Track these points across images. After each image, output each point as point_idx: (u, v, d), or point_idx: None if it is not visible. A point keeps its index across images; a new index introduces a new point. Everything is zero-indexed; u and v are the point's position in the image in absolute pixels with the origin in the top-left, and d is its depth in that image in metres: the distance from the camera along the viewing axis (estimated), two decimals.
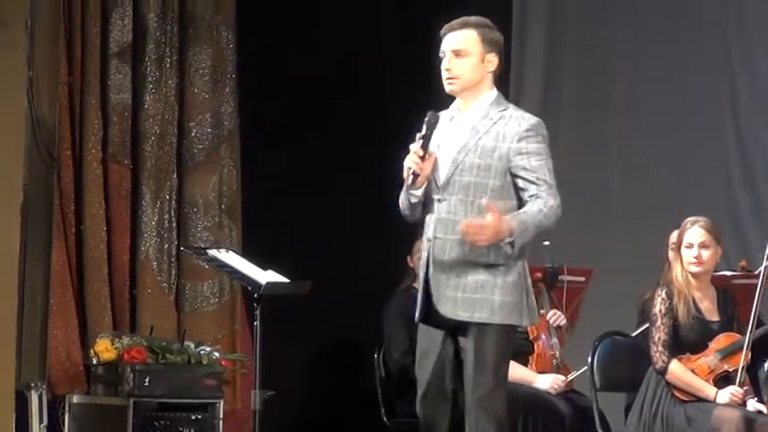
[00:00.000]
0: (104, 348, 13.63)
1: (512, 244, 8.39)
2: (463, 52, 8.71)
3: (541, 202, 8.60)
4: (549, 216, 8.47)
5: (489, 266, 8.59)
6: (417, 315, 8.81)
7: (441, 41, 8.93)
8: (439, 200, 8.72)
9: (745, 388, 10.89)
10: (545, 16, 17.64)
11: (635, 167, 16.63)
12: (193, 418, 13.65)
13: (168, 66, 15.35)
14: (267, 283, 11.87)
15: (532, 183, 8.50)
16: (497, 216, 8.19)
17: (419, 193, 8.70)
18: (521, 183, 8.56)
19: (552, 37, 17.69)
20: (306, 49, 15.34)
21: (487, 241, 8.30)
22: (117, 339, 13.74)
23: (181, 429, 13.68)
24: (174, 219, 15.30)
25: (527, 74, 16.85)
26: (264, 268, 12.01)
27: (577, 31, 17.58)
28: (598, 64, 17.44)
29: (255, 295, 11.89)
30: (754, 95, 16.52)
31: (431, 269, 8.62)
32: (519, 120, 8.58)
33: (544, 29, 17.71)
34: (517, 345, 9.96)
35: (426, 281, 8.57)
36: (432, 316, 8.66)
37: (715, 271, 11.46)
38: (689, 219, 11.38)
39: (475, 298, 8.56)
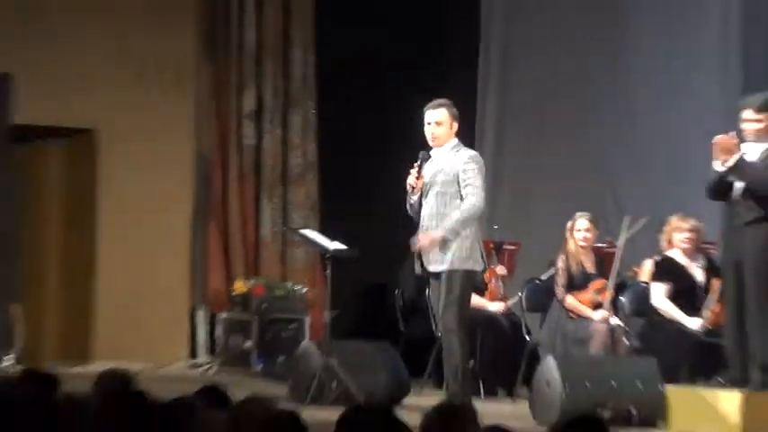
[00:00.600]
0: (240, 285, 16.69)
1: (447, 239, 11.18)
2: (440, 123, 11.36)
3: (465, 203, 11.31)
4: (469, 210, 11.28)
5: (452, 240, 11.09)
6: (416, 269, 11.61)
7: (424, 114, 11.63)
8: (425, 202, 11.34)
9: (610, 312, 13.34)
10: (497, 89, 18.90)
11: (549, 175, 17.99)
12: (290, 327, 16.34)
13: (276, 122, 17.99)
14: (333, 249, 14.09)
15: (467, 187, 11.16)
16: (429, 237, 11.17)
17: (415, 198, 11.32)
18: (462, 189, 11.20)
19: (503, 106, 18.93)
20: (373, 110, 17.35)
21: (430, 247, 11.22)
22: (247, 280, 16.77)
23: (283, 334, 16.32)
24: (281, 212, 18.03)
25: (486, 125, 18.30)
26: (332, 241, 14.27)
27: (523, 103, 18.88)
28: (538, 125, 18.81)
29: (326, 256, 14.30)
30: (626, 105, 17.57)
31: None
32: (465, 153, 11.33)
33: (495, 100, 18.96)
34: (477, 283, 12.68)
35: None
36: (424, 269, 11.37)
37: (595, 243, 13.93)
38: (578, 213, 13.87)
39: (445, 257, 11.08)
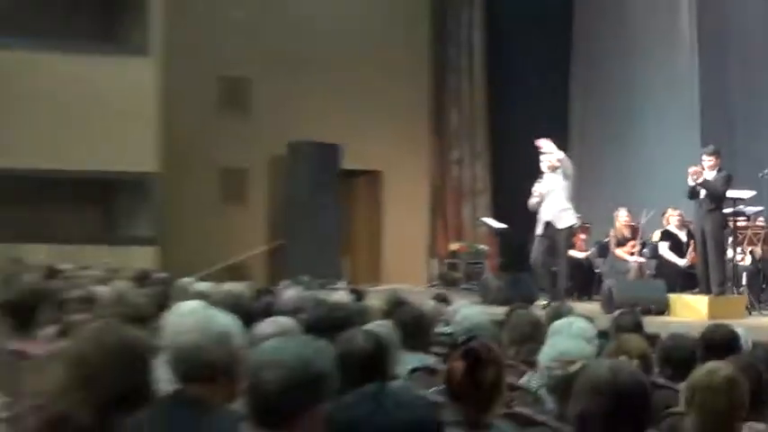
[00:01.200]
0: (454, 245, 20.10)
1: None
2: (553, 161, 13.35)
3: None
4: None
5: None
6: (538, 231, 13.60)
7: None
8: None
9: (638, 257, 15.24)
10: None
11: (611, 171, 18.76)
12: (477, 266, 19.02)
13: (467, 164, 20.99)
14: (497, 228, 17.43)
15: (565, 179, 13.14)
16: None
17: (536, 201, 13.55)
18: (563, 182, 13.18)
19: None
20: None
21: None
22: (457, 242, 20.12)
23: (475, 270, 18.84)
24: (473, 209, 20.92)
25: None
26: (497, 222, 17.40)
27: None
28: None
29: (496, 233, 17.68)
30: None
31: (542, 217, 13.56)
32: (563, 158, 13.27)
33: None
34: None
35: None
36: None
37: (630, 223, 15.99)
38: (620, 207, 15.96)
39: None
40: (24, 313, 6.00)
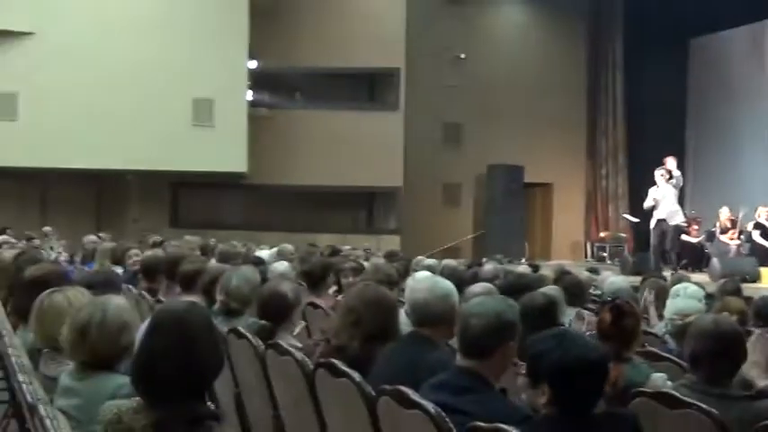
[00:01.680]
0: (603, 233, 19.59)
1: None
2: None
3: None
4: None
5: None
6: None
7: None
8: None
9: (739, 242, 14.98)
10: None
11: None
12: (618, 248, 18.18)
13: (612, 174, 20.29)
14: (635, 222, 17.07)
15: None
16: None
17: (651, 204, 13.54)
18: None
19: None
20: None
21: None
22: (604, 232, 19.68)
23: (619, 251, 18.18)
24: (616, 207, 20.07)
25: None
26: (632, 217, 17.16)
27: None
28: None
29: (632, 225, 17.46)
30: None
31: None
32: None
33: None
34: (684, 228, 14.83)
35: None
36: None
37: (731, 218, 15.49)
38: (722, 206, 15.41)
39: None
40: (316, 279, 6.06)
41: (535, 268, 9.78)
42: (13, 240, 10.57)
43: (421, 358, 3.26)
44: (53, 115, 15.97)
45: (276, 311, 4.13)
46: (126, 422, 2.26)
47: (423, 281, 4.12)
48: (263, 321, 4.12)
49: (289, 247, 9.46)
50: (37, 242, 12.23)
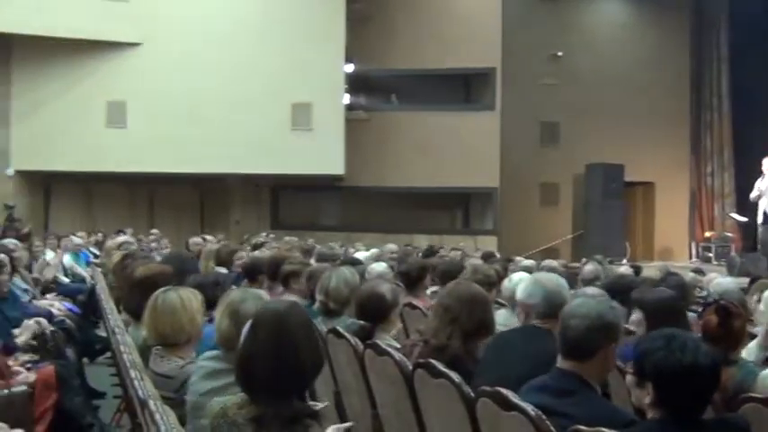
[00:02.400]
0: (708, 233, 18.91)
1: None
2: None
3: None
4: None
5: None
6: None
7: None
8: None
9: None
10: None
11: None
12: (726, 245, 17.46)
13: (718, 174, 19.59)
14: (743, 221, 16.24)
15: None
16: None
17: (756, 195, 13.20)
18: None
19: None
20: None
21: None
22: (709, 231, 18.82)
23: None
24: (722, 206, 19.28)
25: None
26: (740, 216, 16.60)
27: None
28: None
29: (739, 224, 16.39)
30: None
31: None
32: None
33: None
34: None
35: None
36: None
37: None
38: None
39: None
40: (414, 279, 6.03)
41: (637, 269, 9.56)
42: (132, 241, 10.97)
43: (540, 349, 3.21)
44: (159, 122, 16.62)
45: (374, 312, 4.14)
46: (230, 416, 2.33)
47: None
48: (361, 321, 4.16)
49: (392, 246, 9.44)
50: (152, 243, 12.73)
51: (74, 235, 12.80)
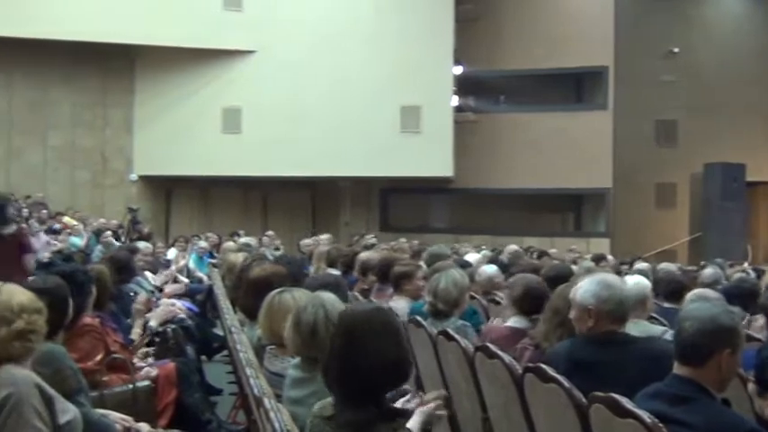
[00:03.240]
0: None
1: None
2: None
3: None
4: None
5: None
6: None
7: None
8: None
9: None
10: None
11: None
12: None
13: None
14: None
15: None
16: None
17: None
18: None
19: None
20: None
21: None
22: None
23: None
24: None
25: None
26: None
27: None
28: None
29: None
30: None
31: None
32: None
33: None
34: None
35: None
36: None
37: None
38: None
39: None
40: None
41: (758, 273, 9.21)
42: (252, 242, 11.35)
43: (666, 347, 3.11)
44: (273, 127, 17.08)
45: (542, 302, 4.09)
46: (322, 417, 2.40)
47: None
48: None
49: (513, 247, 9.41)
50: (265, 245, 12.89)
51: (199, 238, 13.34)
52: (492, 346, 3.70)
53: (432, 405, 2.43)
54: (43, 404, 2.69)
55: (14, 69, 17.20)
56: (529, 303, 4.30)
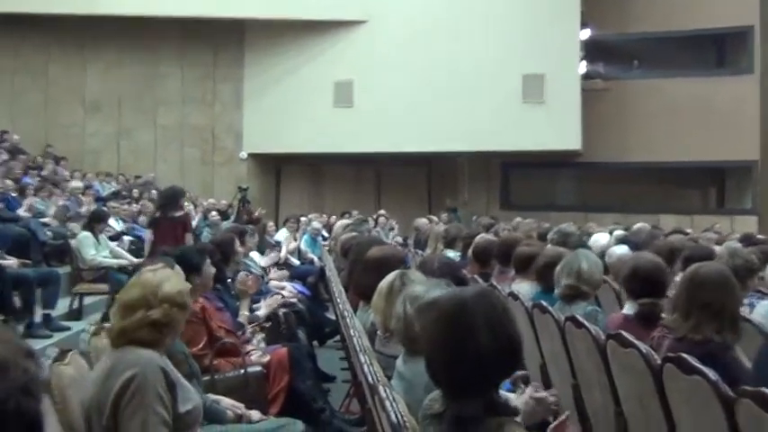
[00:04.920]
0: None
1: None
2: None
3: None
4: None
5: None
6: None
7: None
8: None
9: None
10: None
11: None
12: None
13: None
14: None
15: None
16: None
17: None
18: None
19: None
20: None
21: None
22: None
23: None
24: None
25: None
26: None
27: None
28: None
29: None
30: None
31: None
32: None
33: None
34: None
35: None
36: None
37: None
38: None
39: None
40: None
41: None
42: (360, 222, 11.55)
43: None
44: (386, 101, 17.22)
45: (659, 284, 4.07)
46: (433, 411, 2.35)
47: None
48: (645, 300, 4.04)
49: (643, 225, 9.31)
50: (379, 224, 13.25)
51: (312, 218, 13.53)
52: (626, 334, 3.58)
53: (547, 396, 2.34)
54: (166, 389, 2.78)
55: (125, 47, 17.93)
56: (640, 286, 4.18)
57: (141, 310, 2.84)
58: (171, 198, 9.22)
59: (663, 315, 4.02)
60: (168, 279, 2.97)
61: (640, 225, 10.14)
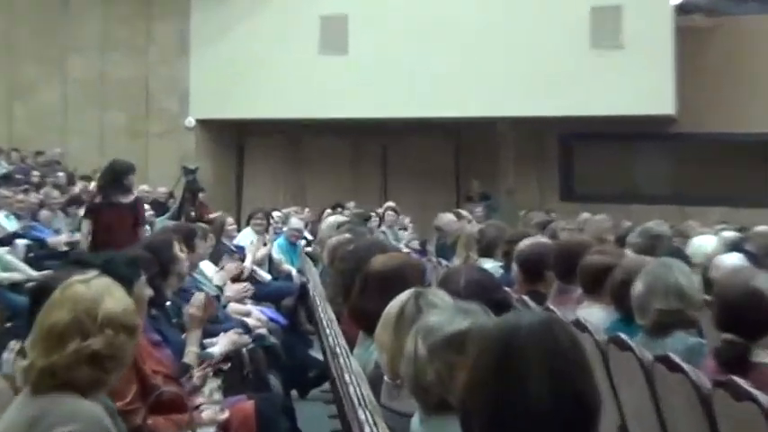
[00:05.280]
0: None
1: None
2: None
3: None
4: None
5: None
6: None
7: None
8: None
9: None
10: None
11: None
12: None
13: None
14: None
15: None
16: None
17: None
18: None
19: None
20: None
21: None
22: None
23: None
24: None
25: None
26: None
27: None
28: None
29: None
30: None
31: None
32: None
33: None
34: None
35: None
36: None
37: None
38: None
39: None
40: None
41: None
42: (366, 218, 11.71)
43: None
44: (393, 46, 17.21)
45: (750, 320, 4.07)
46: None
47: None
48: (728, 336, 4.06)
49: (765, 229, 9.25)
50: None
51: (289, 214, 13.33)
52: (739, 380, 3.58)
53: None
54: None
55: None
56: (730, 316, 4.18)
57: (75, 340, 2.78)
58: (113, 177, 9.29)
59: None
60: (109, 292, 2.93)
61: (764, 228, 10.02)
